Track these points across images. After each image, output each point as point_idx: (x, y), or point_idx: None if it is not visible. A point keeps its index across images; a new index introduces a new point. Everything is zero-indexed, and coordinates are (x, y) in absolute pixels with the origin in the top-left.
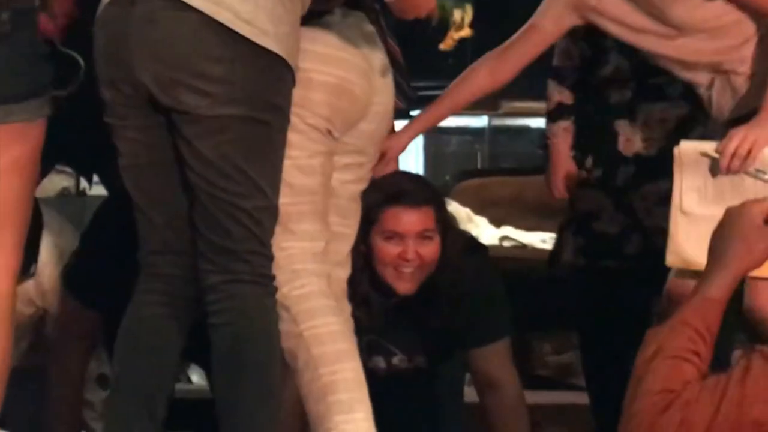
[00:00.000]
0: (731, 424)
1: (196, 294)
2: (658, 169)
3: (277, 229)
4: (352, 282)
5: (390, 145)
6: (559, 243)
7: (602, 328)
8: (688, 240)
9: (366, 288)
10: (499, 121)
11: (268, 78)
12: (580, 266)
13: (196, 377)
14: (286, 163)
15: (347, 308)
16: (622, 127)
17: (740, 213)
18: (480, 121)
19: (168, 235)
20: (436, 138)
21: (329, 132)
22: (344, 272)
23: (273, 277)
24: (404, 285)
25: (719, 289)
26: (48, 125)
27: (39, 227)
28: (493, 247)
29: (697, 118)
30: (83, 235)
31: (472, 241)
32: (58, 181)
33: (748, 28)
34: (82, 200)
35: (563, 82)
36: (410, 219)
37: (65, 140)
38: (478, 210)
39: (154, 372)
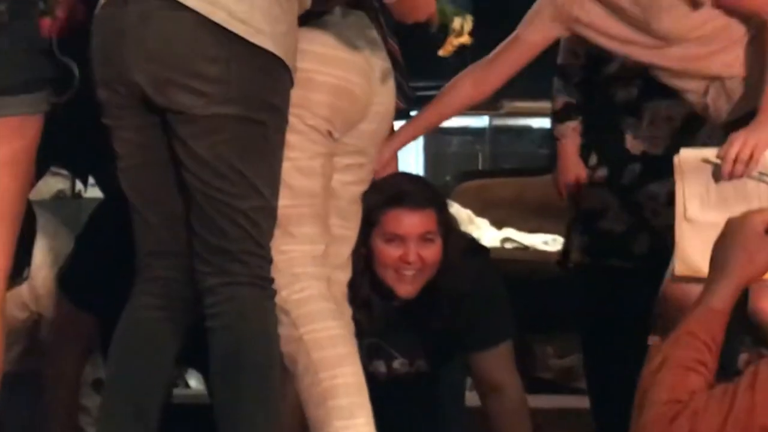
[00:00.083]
0: None
1: (193, 297)
2: (665, 167)
3: (277, 232)
4: (353, 285)
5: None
6: (567, 242)
7: (605, 329)
8: (695, 248)
9: (367, 291)
10: (500, 121)
11: (265, 77)
12: (586, 265)
13: (195, 382)
14: (286, 165)
15: (348, 311)
16: (629, 125)
17: (741, 223)
18: (481, 121)
19: (165, 238)
20: (436, 138)
21: (329, 133)
22: (345, 275)
23: (271, 280)
24: (405, 288)
25: (722, 299)
26: (43, 126)
27: (32, 230)
28: (495, 249)
29: (703, 116)
30: (78, 237)
31: (473, 243)
32: (53, 184)
33: (736, 31)
34: (77, 202)
35: (569, 80)
36: (411, 221)
37: (61, 142)
38: (480, 211)
39: (148, 376)
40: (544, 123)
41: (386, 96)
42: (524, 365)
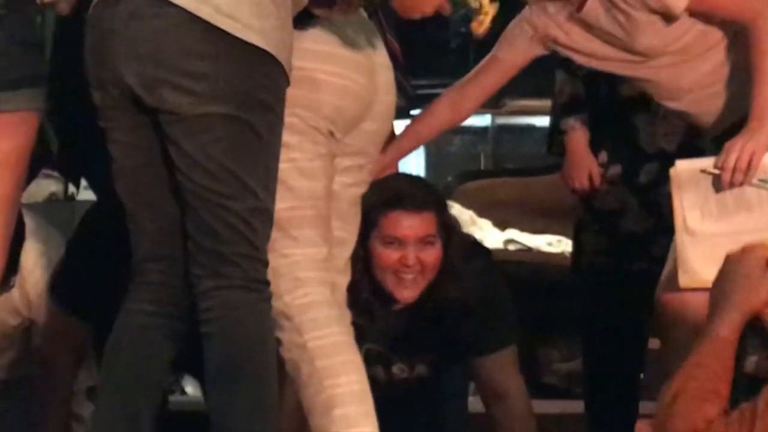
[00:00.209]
0: None
1: (188, 302)
2: None
3: (279, 236)
4: (351, 289)
5: None
6: (579, 243)
7: (612, 333)
8: (698, 259)
9: (365, 295)
10: (503, 120)
11: (254, 74)
12: (603, 268)
13: (191, 388)
14: (287, 166)
15: (348, 316)
16: (642, 122)
17: (741, 259)
18: (483, 120)
19: (159, 242)
20: (437, 138)
21: (331, 133)
22: (345, 279)
23: (268, 282)
24: (405, 292)
25: (729, 328)
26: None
27: (21, 237)
28: (498, 250)
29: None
30: (70, 241)
31: (475, 245)
32: (45, 186)
33: (713, 37)
34: (70, 205)
35: (575, 73)
36: (410, 224)
37: (51, 143)
38: (482, 212)
39: (141, 382)
40: (549, 122)
41: (388, 93)
42: (528, 370)
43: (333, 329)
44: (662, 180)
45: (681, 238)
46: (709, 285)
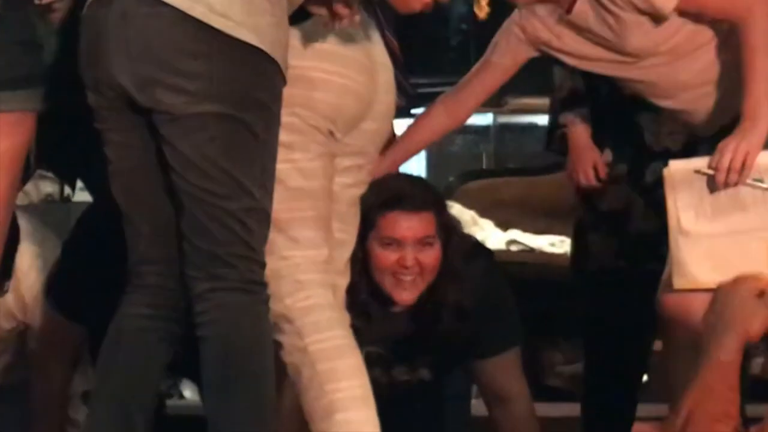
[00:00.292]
0: None
1: (185, 305)
2: None
3: (279, 237)
4: (349, 290)
5: None
6: (583, 246)
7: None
8: (693, 260)
9: (364, 297)
10: (505, 119)
11: (249, 72)
12: (612, 269)
13: (189, 392)
14: (287, 167)
15: (347, 318)
16: (646, 120)
17: (735, 289)
18: (485, 119)
19: (155, 244)
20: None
21: (331, 133)
22: (344, 280)
23: (264, 284)
24: (404, 294)
25: (731, 351)
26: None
27: (15, 241)
28: (500, 251)
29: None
30: (65, 243)
31: (476, 246)
32: (41, 187)
33: (702, 36)
34: (66, 206)
35: (573, 68)
36: (409, 225)
37: (48, 143)
38: (484, 212)
39: (136, 386)
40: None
41: (388, 93)
42: (531, 372)
43: (335, 332)
44: None
45: (675, 238)
46: (704, 286)
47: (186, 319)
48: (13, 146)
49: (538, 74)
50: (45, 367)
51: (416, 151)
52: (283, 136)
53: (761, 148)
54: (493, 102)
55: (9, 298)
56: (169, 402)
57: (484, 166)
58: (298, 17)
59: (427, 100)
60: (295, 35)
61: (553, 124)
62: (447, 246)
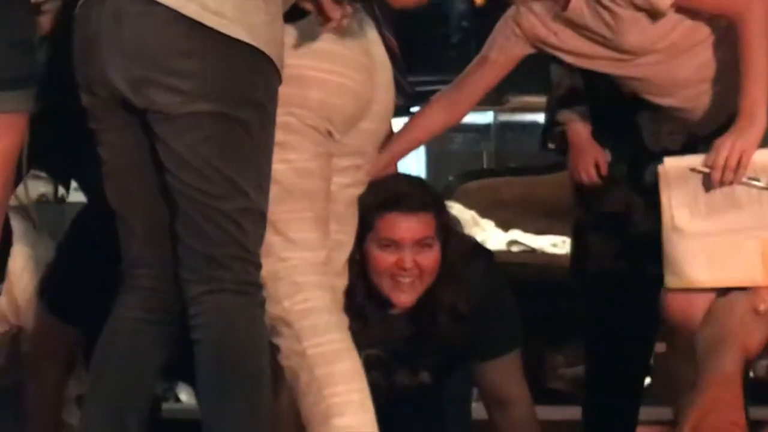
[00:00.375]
0: None
1: (179, 307)
2: None
3: (277, 239)
4: (348, 293)
5: None
6: (584, 247)
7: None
8: (687, 259)
9: (362, 299)
10: (506, 117)
11: (243, 71)
12: (613, 271)
13: (185, 396)
14: (284, 167)
15: (346, 321)
16: (645, 120)
17: (731, 306)
18: (485, 117)
19: (149, 246)
20: (438, 136)
21: (329, 133)
22: (342, 282)
23: (260, 285)
24: (402, 296)
25: (733, 363)
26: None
27: (7, 243)
28: (501, 252)
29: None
30: (59, 245)
31: (476, 247)
32: (35, 187)
33: (700, 33)
34: (60, 207)
35: (571, 66)
36: (408, 226)
37: (41, 144)
38: (485, 212)
39: (129, 389)
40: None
41: (387, 92)
42: (533, 375)
43: (333, 336)
44: None
45: (668, 237)
46: (698, 285)
47: (181, 321)
48: (6, 148)
49: (539, 72)
50: (38, 369)
51: (413, 149)
52: (280, 136)
53: (757, 147)
54: (494, 100)
55: (2, 300)
56: (165, 405)
57: (484, 165)
58: (293, 15)
59: (427, 98)
60: (291, 33)
61: (549, 122)
62: (446, 247)
